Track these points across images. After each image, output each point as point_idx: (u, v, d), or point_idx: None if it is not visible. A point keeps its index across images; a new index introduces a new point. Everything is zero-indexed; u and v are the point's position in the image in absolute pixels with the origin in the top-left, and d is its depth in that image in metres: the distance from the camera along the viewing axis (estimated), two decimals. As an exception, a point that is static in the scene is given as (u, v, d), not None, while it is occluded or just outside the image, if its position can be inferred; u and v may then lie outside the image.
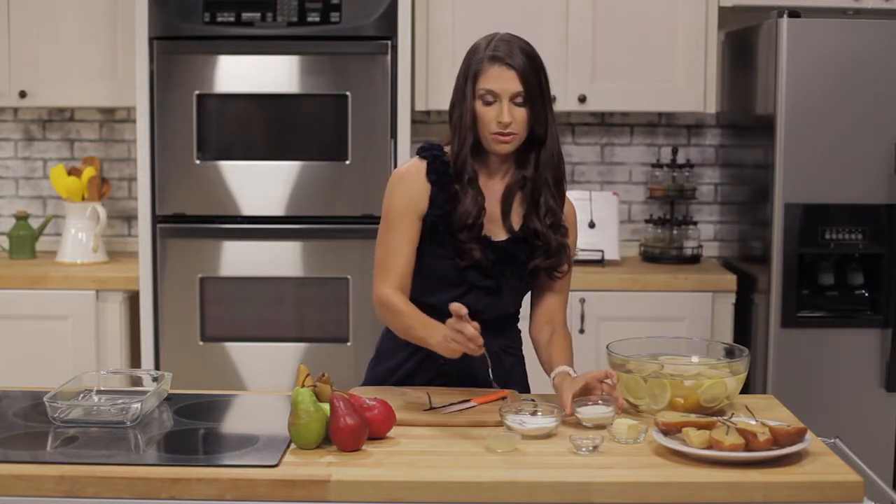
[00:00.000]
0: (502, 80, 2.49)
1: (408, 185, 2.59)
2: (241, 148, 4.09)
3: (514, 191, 2.61)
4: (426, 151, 2.62)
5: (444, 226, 2.57)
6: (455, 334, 2.33)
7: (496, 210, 2.60)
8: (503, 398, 2.49)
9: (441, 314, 2.45)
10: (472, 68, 2.54)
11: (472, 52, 2.56)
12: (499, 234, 2.61)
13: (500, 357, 2.64)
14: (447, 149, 2.62)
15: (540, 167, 2.58)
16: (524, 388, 2.75)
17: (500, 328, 2.65)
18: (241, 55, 4.02)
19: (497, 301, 2.62)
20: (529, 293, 2.72)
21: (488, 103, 2.51)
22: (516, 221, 2.62)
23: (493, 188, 2.61)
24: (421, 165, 2.60)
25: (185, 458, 2.14)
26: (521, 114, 2.51)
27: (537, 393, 2.69)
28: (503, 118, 2.49)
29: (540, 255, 2.60)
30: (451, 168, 2.58)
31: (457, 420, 2.38)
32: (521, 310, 2.72)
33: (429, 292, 2.61)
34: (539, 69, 2.54)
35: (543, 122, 2.55)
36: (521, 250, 2.60)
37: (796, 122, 3.93)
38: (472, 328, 2.32)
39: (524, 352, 2.78)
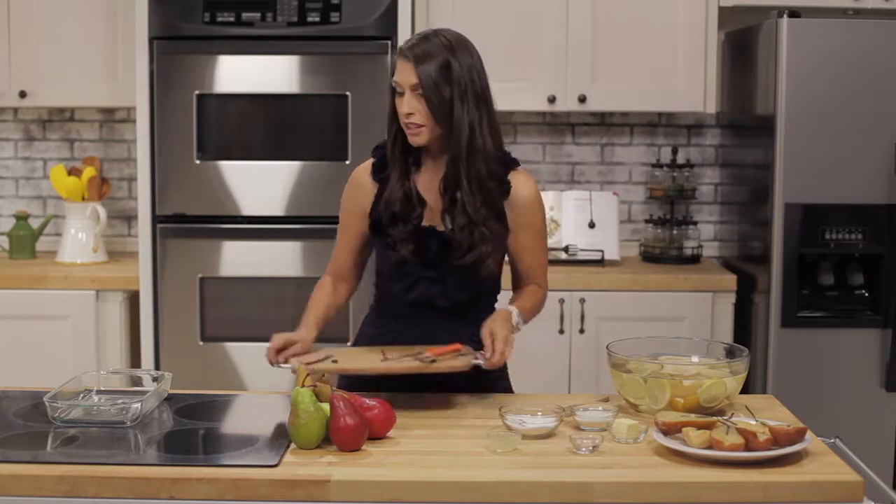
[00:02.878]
0: (402, 73, 2.58)
1: (354, 185, 2.75)
2: (241, 148, 4.09)
3: (447, 187, 2.63)
4: (376, 150, 2.74)
5: (386, 223, 2.66)
6: (273, 339, 2.55)
7: (439, 203, 2.65)
8: (457, 350, 2.54)
9: (400, 303, 2.67)
10: (392, 61, 2.65)
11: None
12: (441, 225, 2.65)
13: (467, 345, 2.65)
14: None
15: (471, 163, 2.59)
16: (499, 375, 2.74)
17: (460, 315, 2.67)
18: (241, 55, 4.02)
19: (445, 290, 2.65)
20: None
21: (399, 94, 2.60)
22: (456, 213, 2.64)
23: (434, 181, 2.66)
24: (368, 164, 2.73)
25: (185, 458, 2.14)
26: (422, 106, 2.56)
27: (522, 392, 2.71)
28: (402, 108, 2.57)
29: (456, 251, 2.62)
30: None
31: (410, 366, 2.46)
32: (493, 297, 2.74)
33: (386, 283, 2.72)
34: (447, 64, 2.55)
35: (445, 116, 2.57)
36: (461, 239, 2.62)
37: (796, 122, 3.93)
38: (272, 342, 2.54)
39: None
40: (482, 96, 2.61)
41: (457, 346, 2.57)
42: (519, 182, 2.67)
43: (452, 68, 2.57)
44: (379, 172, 2.69)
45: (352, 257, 2.77)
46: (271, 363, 2.54)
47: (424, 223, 2.65)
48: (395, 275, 2.69)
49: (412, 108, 2.56)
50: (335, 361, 2.49)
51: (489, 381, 2.67)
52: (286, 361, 2.50)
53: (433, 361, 2.48)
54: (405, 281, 2.67)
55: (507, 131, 4.65)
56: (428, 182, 2.67)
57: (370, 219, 2.70)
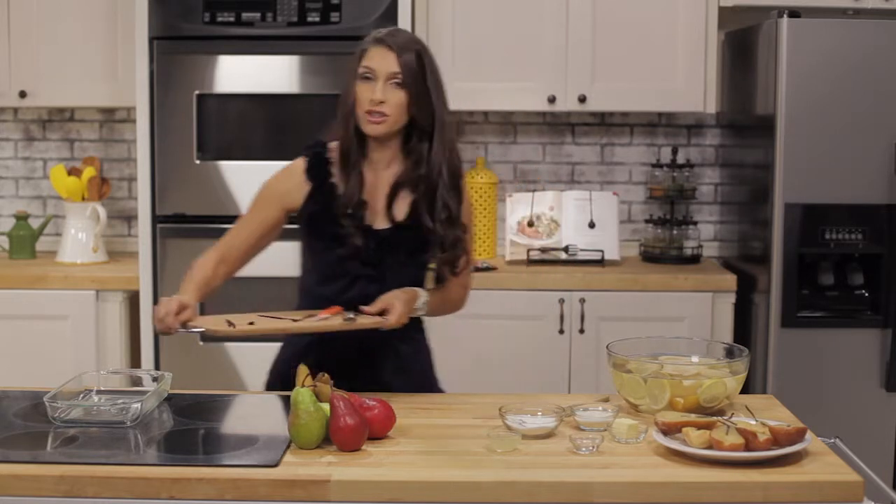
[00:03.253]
0: (381, 60, 2.55)
1: (289, 175, 2.68)
2: (241, 148, 4.09)
3: (401, 185, 2.62)
4: (309, 149, 2.69)
5: (324, 219, 2.61)
6: (161, 303, 2.50)
7: (380, 200, 2.64)
8: (339, 312, 2.55)
9: (332, 304, 2.59)
10: (358, 50, 2.61)
11: (365, 37, 2.63)
12: (380, 223, 2.64)
13: (396, 347, 2.67)
14: (332, 144, 2.65)
15: (432, 164, 2.60)
16: (425, 378, 2.76)
17: None
18: (241, 55, 4.02)
19: (382, 290, 2.62)
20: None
21: (366, 79, 2.56)
22: (401, 212, 2.64)
23: (376, 178, 2.64)
24: (301, 163, 2.68)
25: (185, 458, 2.14)
26: (396, 96, 2.55)
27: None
28: (375, 95, 2.54)
29: (437, 251, 2.63)
30: (331, 163, 2.63)
31: (330, 324, 2.49)
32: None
33: (319, 284, 2.68)
34: (424, 63, 2.58)
35: (427, 112, 2.58)
36: (403, 239, 2.63)
37: (796, 122, 3.93)
38: (163, 307, 2.47)
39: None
40: (448, 103, 2.63)
41: (337, 308, 2.57)
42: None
43: (428, 60, 2.59)
44: (313, 171, 2.65)
45: (249, 242, 2.69)
46: (170, 330, 2.47)
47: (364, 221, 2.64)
48: (332, 274, 2.65)
49: (385, 97, 2.54)
50: (252, 324, 2.48)
51: (408, 365, 2.70)
52: (183, 326, 2.47)
53: (352, 319, 2.50)
54: (343, 280, 2.64)
55: (507, 131, 4.66)
56: (369, 179, 2.64)
57: (305, 217, 2.66)
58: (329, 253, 2.63)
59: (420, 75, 2.56)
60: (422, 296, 2.63)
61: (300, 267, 2.80)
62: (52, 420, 2.33)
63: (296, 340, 2.74)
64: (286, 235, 4.05)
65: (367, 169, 2.65)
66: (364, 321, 2.53)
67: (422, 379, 2.77)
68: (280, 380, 2.69)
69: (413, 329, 2.72)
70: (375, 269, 2.64)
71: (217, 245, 2.69)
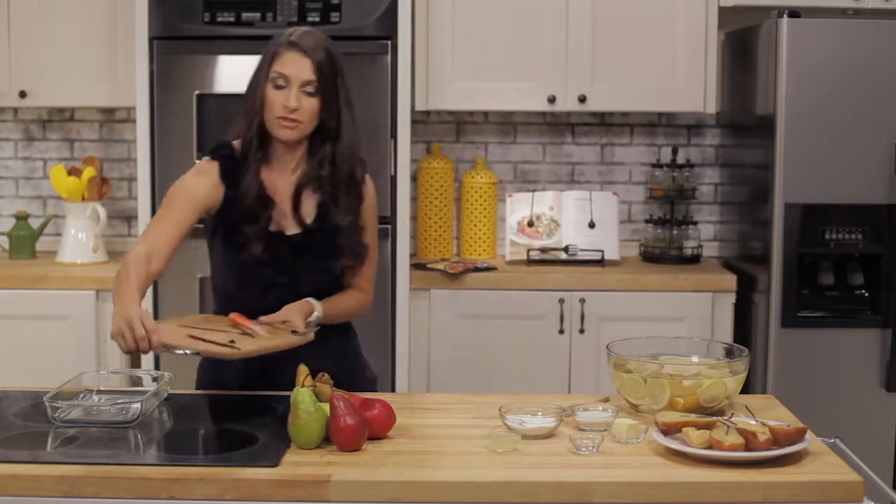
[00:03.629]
0: (296, 66, 2.52)
1: (203, 175, 2.61)
2: (241, 148, 4.08)
3: (304, 186, 2.60)
4: (216, 153, 2.63)
5: (237, 224, 2.58)
6: (127, 328, 2.29)
7: (287, 205, 2.61)
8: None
9: (249, 312, 2.54)
10: (269, 51, 2.56)
11: (274, 38, 2.59)
12: (291, 228, 2.61)
13: (326, 335, 2.63)
14: (237, 143, 2.62)
15: (336, 164, 2.59)
16: (355, 378, 2.73)
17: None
18: (241, 55, 4.01)
19: (298, 295, 2.61)
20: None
21: (279, 87, 2.53)
22: (308, 214, 2.61)
23: (282, 183, 2.61)
24: (213, 167, 2.61)
25: (185, 458, 2.14)
26: (309, 103, 2.53)
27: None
28: (290, 103, 2.51)
29: (341, 254, 2.61)
30: (240, 164, 2.59)
31: (291, 341, 2.43)
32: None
33: (234, 290, 2.65)
34: (336, 68, 2.57)
35: (335, 116, 2.57)
36: (315, 242, 2.60)
37: (796, 122, 3.93)
38: (142, 329, 2.28)
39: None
40: (353, 103, 2.62)
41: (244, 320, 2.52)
42: (367, 182, 2.69)
43: (339, 66, 2.57)
44: (228, 177, 2.60)
45: (173, 243, 2.56)
46: (144, 351, 2.29)
47: (272, 227, 2.60)
48: (246, 282, 2.62)
49: (299, 104, 2.52)
50: (232, 342, 2.37)
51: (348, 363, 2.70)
52: (166, 347, 2.32)
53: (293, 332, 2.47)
54: (257, 287, 2.62)
55: (507, 131, 4.66)
56: (273, 182, 2.61)
57: (221, 222, 2.61)
58: (240, 259, 2.60)
59: (332, 78, 2.55)
60: (317, 309, 2.59)
61: (211, 268, 2.75)
62: (52, 420, 2.33)
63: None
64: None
65: (275, 172, 2.62)
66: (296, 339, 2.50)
67: (353, 362, 2.77)
68: (212, 381, 2.72)
69: (339, 333, 2.72)
70: (290, 275, 2.61)
71: (141, 246, 2.53)
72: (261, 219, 2.57)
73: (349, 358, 2.77)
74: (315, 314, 2.59)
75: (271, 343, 2.37)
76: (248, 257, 2.57)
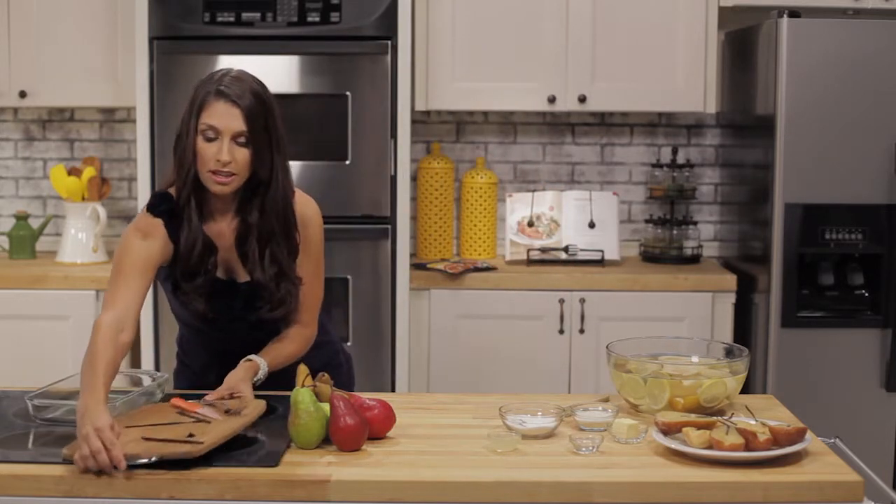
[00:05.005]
0: (226, 118, 2.41)
1: (148, 233, 2.49)
2: (241, 148, 4.08)
3: (246, 235, 2.52)
4: (157, 208, 2.52)
5: (179, 275, 2.53)
6: (88, 440, 2.05)
7: (233, 254, 2.54)
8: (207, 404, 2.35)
9: (220, 342, 2.58)
10: (197, 101, 2.44)
11: (200, 84, 2.47)
12: (243, 276, 2.55)
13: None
14: (174, 192, 2.53)
15: (265, 213, 2.50)
16: (331, 347, 2.74)
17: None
18: (241, 55, 4.01)
19: (264, 333, 2.60)
20: None
21: (209, 139, 2.42)
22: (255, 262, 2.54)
23: (223, 231, 2.54)
24: (157, 224, 2.50)
25: (185, 459, 2.14)
26: (242, 154, 2.42)
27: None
28: (222, 156, 2.40)
29: (264, 307, 2.53)
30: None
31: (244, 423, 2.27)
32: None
33: (201, 333, 2.64)
34: (268, 111, 2.46)
35: (267, 166, 2.47)
36: (274, 291, 2.53)
37: (796, 122, 3.93)
38: (99, 443, 2.04)
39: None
40: (285, 141, 2.52)
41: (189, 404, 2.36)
42: (301, 201, 2.59)
43: (269, 108, 2.47)
44: (173, 232, 2.49)
45: (137, 306, 2.42)
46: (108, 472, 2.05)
47: (221, 275, 2.54)
48: (207, 328, 2.60)
49: (232, 157, 2.41)
50: (191, 435, 2.15)
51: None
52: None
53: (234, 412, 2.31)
54: (223, 330, 2.60)
55: (507, 131, 4.66)
56: (218, 230, 2.54)
57: (171, 273, 2.54)
58: (190, 311, 2.57)
59: (263, 125, 2.44)
60: (262, 368, 2.51)
61: (171, 310, 2.71)
62: (33, 419, 2.34)
63: (194, 355, 2.75)
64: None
65: (217, 221, 2.54)
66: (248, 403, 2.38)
67: (330, 352, 2.78)
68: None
69: (318, 348, 2.70)
70: (247, 321, 2.57)
71: (109, 311, 2.37)
72: (203, 271, 2.50)
73: (326, 346, 2.77)
74: (260, 372, 2.50)
75: (229, 428, 2.20)
76: (195, 310, 2.55)
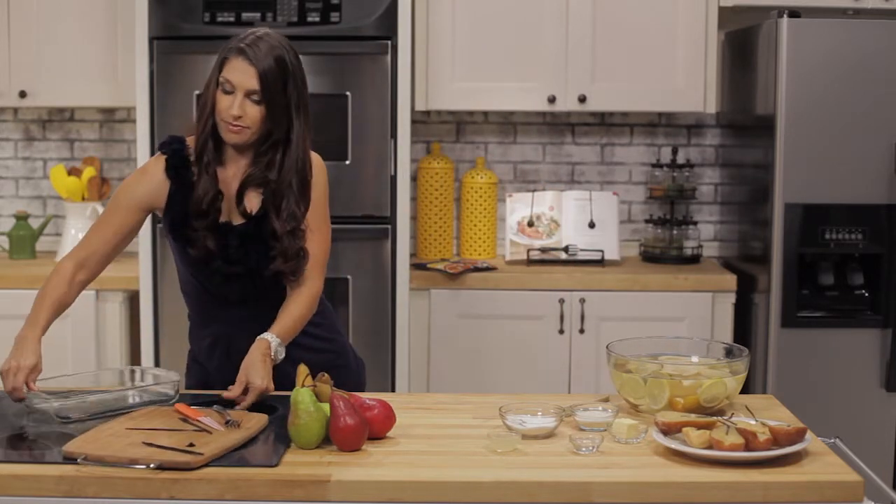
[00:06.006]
0: (241, 74, 2.51)
1: (146, 176, 2.64)
2: (241, 148, 4.08)
3: (248, 185, 2.60)
4: (167, 146, 2.66)
5: (185, 220, 2.59)
6: (8, 375, 2.43)
7: (233, 199, 2.62)
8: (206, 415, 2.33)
9: (218, 305, 2.64)
10: (221, 55, 2.56)
11: (232, 39, 2.58)
12: (237, 219, 2.62)
13: (287, 351, 2.59)
14: (190, 140, 2.64)
15: (283, 171, 2.58)
16: (338, 344, 2.76)
17: (277, 305, 2.63)
18: (241, 55, 4.02)
19: (255, 287, 2.62)
20: None
21: (227, 92, 2.53)
22: (252, 206, 2.61)
23: (229, 178, 2.62)
24: (160, 161, 2.64)
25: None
26: (254, 111, 2.53)
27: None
28: (233, 111, 2.51)
29: (279, 259, 2.59)
30: (190, 160, 2.61)
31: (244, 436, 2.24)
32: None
33: (198, 288, 2.68)
34: (287, 76, 2.54)
35: (283, 126, 2.56)
36: (263, 230, 2.59)
37: (796, 122, 3.93)
38: (14, 383, 2.40)
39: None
40: (307, 103, 2.60)
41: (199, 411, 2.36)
42: (315, 162, 2.68)
43: (291, 75, 2.55)
44: (173, 170, 2.62)
45: (108, 247, 2.61)
46: (21, 399, 2.39)
47: (221, 219, 2.61)
48: (203, 277, 2.65)
49: (242, 112, 2.52)
50: (192, 445, 2.15)
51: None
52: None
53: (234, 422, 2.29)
54: (216, 281, 2.63)
55: (507, 131, 4.66)
56: (223, 177, 2.62)
57: (168, 218, 2.62)
58: (190, 254, 2.61)
59: (279, 87, 2.53)
60: (272, 341, 2.53)
61: (177, 272, 2.77)
62: (27, 406, 2.37)
63: (199, 339, 2.78)
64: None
65: (227, 170, 2.63)
66: (245, 405, 2.40)
67: (338, 347, 2.78)
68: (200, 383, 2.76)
69: (312, 335, 2.71)
70: (242, 264, 2.61)
71: (75, 251, 2.61)
72: (211, 212, 2.59)
73: (331, 343, 2.79)
74: (273, 346, 2.52)
75: (230, 441, 2.18)
76: (195, 252, 2.59)
